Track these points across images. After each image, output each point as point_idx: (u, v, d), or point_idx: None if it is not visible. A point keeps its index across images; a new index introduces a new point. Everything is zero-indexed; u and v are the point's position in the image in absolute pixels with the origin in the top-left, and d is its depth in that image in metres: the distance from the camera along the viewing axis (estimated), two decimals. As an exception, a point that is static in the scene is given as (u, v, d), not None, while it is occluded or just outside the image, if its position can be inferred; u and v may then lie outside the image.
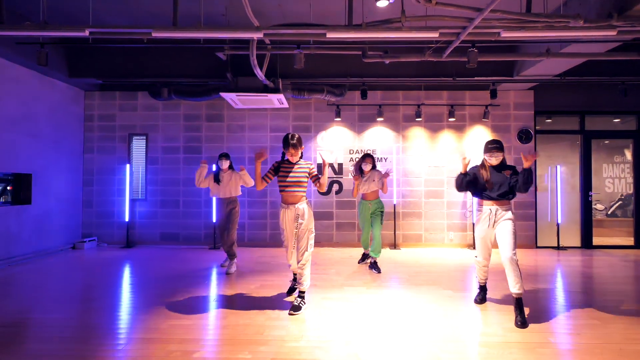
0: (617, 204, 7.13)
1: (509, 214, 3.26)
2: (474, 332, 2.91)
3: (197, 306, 3.48)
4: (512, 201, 6.72)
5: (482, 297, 3.63)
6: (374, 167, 4.93)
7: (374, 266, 4.85)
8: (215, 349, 2.60)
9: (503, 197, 3.29)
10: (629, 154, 7.11)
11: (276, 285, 4.21)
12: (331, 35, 3.96)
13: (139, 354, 2.52)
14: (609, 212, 7.11)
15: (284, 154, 3.49)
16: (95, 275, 4.75)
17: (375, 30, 3.92)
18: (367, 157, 4.90)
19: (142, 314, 3.31)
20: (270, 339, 2.76)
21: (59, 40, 5.50)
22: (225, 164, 4.87)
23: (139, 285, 4.29)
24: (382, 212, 4.89)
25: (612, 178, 7.13)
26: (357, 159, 6.78)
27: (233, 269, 4.81)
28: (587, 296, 3.88)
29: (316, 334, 2.86)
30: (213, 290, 4.02)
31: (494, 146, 3.32)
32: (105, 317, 3.23)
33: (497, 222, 3.28)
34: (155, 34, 4.01)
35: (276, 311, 3.35)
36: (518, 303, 3.10)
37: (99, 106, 6.91)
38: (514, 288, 3.10)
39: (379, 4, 4.49)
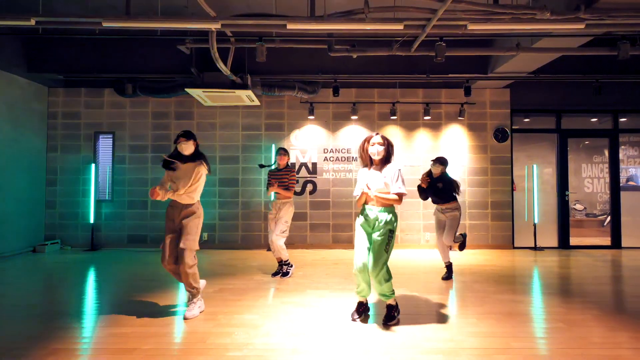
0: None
1: None
2: (430, 337, 2.74)
3: (145, 313, 3.25)
4: (490, 200, 6.64)
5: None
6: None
7: None
8: None
9: None
10: (609, 155, 7.04)
11: (236, 289, 4.00)
12: (292, 26, 3.78)
13: (61, 367, 2.30)
14: (605, 224, 7.00)
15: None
16: (48, 280, 4.49)
17: (338, 22, 3.75)
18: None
19: (85, 322, 3.08)
20: (212, 347, 2.55)
21: (8, 31, 5.20)
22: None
23: (92, 292, 4.04)
24: None
25: (591, 178, 7.06)
26: (331, 158, 6.60)
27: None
28: (556, 298, 3.76)
29: (263, 341, 2.66)
30: (168, 297, 3.79)
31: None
32: (42, 326, 2.98)
33: None
34: (106, 24, 3.80)
35: (228, 316, 3.14)
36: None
37: (63, 103, 6.63)
38: None
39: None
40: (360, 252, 2.91)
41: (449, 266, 4.44)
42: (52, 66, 5.91)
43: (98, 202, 6.54)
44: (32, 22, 3.81)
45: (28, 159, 6.21)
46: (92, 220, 6.41)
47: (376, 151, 2.88)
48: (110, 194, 6.59)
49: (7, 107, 5.81)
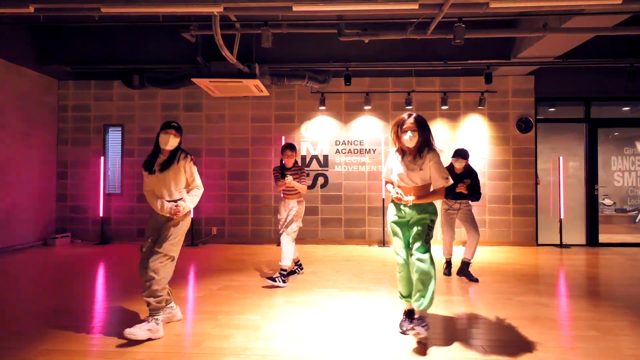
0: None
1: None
2: (444, 344, 2.49)
3: (142, 312, 3.10)
4: (512, 194, 6.26)
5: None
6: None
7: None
8: (139, 364, 2.23)
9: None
10: None
11: (243, 286, 3.83)
12: (298, 8, 3.54)
13: (47, 370, 2.16)
14: (636, 220, 6.52)
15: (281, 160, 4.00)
16: (53, 275, 4.42)
17: (347, 2, 3.48)
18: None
19: (75, 320, 2.96)
20: (207, 352, 2.37)
21: (10, 20, 5.12)
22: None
23: (92, 287, 3.95)
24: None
25: (621, 171, 6.58)
26: (344, 150, 6.34)
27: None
28: (586, 302, 3.43)
29: (263, 345, 2.47)
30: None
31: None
32: (37, 324, 2.87)
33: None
34: (105, 10, 3.65)
35: (229, 316, 2.97)
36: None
37: (73, 96, 6.58)
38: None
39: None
40: (398, 248, 2.59)
41: (449, 261, 4.32)
42: (60, 57, 5.85)
43: (108, 196, 6.49)
44: (31, 9, 3.69)
45: (39, 152, 6.19)
46: (101, 214, 6.37)
47: (409, 138, 2.44)
48: (119, 187, 6.53)
49: (18, 100, 5.79)
